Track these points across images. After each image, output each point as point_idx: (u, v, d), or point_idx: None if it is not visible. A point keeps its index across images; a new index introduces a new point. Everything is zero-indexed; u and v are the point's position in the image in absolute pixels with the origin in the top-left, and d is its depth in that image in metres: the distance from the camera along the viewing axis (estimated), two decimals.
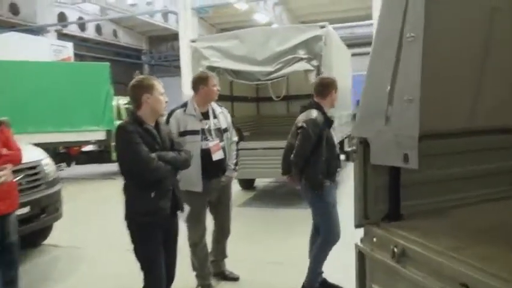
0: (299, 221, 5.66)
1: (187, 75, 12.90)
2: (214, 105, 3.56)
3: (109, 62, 11.86)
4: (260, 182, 8.11)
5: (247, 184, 7.57)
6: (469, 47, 1.82)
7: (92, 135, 9.71)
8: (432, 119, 1.76)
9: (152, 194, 2.56)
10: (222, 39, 6.18)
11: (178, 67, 17.58)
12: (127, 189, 2.65)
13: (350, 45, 9.76)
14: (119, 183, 2.71)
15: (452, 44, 1.76)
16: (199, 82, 3.42)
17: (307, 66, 5.67)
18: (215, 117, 3.51)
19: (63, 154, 10.36)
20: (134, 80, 2.72)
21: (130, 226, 2.65)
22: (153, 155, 2.53)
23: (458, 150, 2.02)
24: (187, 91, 13.07)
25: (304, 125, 3.21)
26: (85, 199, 7.85)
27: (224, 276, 3.80)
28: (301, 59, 5.69)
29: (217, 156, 3.41)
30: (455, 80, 1.83)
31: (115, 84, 10.80)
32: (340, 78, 6.39)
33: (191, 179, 3.27)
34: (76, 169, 10.81)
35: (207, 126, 3.39)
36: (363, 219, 1.87)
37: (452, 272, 1.41)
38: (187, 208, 3.02)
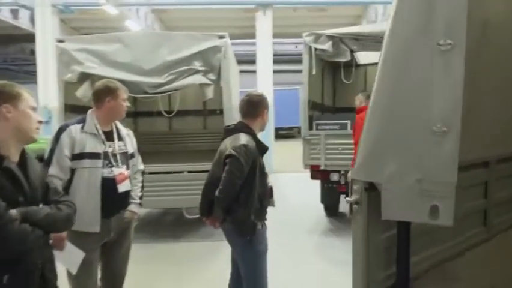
0: (192, 257, 4.95)
1: (44, 82, 11.01)
2: (118, 124, 2.87)
3: None
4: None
5: None
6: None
7: None
8: (468, 149, 1.33)
9: (5, 279, 1.59)
10: (100, 41, 5.15)
11: (30, 73, 15.03)
12: None
13: None
14: None
15: (495, 52, 1.37)
16: (105, 93, 2.71)
17: (204, 80, 5.06)
18: (120, 139, 2.82)
19: None
20: None
21: None
22: (14, 212, 1.58)
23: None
24: (45, 101, 11.23)
25: (234, 152, 2.57)
26: None
27: None
28: (197, 71, 5.06)
29: (123, 187, 2.76)
30: (496, 100, 1.46)
31: None
32: (235, 96, 5.97)
33: (86, 216, 2.50)
34: None
35: (110, 150, 2.74)
36: None
37: None
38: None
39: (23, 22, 16.85)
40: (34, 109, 1.79)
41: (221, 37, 5.14)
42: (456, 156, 1.19)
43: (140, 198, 2.99)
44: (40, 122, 1.81)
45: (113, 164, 2.72)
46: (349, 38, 5.14)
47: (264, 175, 2.77)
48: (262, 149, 2.76)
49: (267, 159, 12.21)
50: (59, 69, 5.14)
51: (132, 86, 5.10)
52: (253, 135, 2.74)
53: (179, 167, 5.18)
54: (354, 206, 1.34)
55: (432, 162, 1.21)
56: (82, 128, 2.68)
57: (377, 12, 20.23)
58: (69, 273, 2.54)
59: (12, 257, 1.59)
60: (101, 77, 5.01)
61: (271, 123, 11.53)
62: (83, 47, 5.06)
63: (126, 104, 2.80)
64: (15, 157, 1.70)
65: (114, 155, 2.75)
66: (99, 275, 2.86)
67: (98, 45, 5.09)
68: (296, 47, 35.13)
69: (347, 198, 1.42)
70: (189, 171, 5.16)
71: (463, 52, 1.18)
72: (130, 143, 2.94)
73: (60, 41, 5.18)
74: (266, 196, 2.78)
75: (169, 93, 5.24)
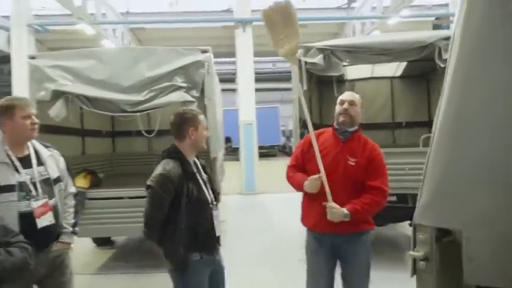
0: None
1: None
2: (38, 145, 2.60)
3: None
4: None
5: (102, 240, 6.05)
6: None
7: None
8: None
9: None
10: (75, 57, 4.83)
11: (8, 94, 14.46)
12: None
13: None
14: None
15: None
16: (0, 114, 2.46)
17: (187, 97, 4.77)
18: (41, 163, 2.54)
19: None
20: None
21: None
22: None
23: None
24: None
25: (151, 182, 2.41)
26: None
27: None
28: (179, 87, 4.78)
29: (44, 221, 2.48)
30: None
31: None
32: (219, 113, 5.70)
33: None
34: None
35: (28, 178, 2.47)
36: None
37: None
38: None
39: (1, 43, 16.39)
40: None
41: (204, 51, 4.90)
42: None
43: (74, 225, 2.72)
44: None
45: (33, 194, 2.44)
46: (341, 50, 4.94)
47: (196, 203, 2.51)
48: (189, 174, 2.53)
49: (250, 180, 11.80)
50: (32, 88, 4.77)
51: (109, 105, 4.82)
52: (181, 159, 2.53)
53: None
54: (420, 263, 1.02)
55: None
56: None
57: (355, 29, 20.58)
58: None
59: None
60: (75, 95, 4.73)
61: (254, 142, 11.26)
62: (56, 64, 4.74)
63: (31, 120, 2.52)
64: None
65: (33, 184, 2.46)
66: None
67: (72, 61, 4.77)
68: (273, 65, 35.59)
69: (410, 252, 1.08)
70: None
71: None
72: (55, 165, 2.66)
73: (32, 57, 4.85)
74: (203, 226, 2.53)
75: (149, 111, 4.92)
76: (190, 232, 2.44)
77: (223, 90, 11.00)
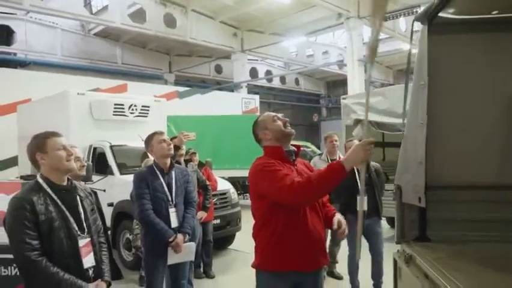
0: None
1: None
2: (340, 155, 5.18)
3: (291, 106, 13.18)
4: None
5: None
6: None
7: None
8: (440, 175, 2.72)
9: None
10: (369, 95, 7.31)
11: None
12: None
13: None
14: None
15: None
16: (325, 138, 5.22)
17: None
18: None
19: (247, 186, 12.82)
20: None
21: None
22: None
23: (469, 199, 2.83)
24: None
25: None
26: None
27: None
28: None
29: None
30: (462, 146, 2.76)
31: (296, 127, 12.82)
32: None
33: None
34: None
35: None
36: (400, 238, 2.89)
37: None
38: None
39: (346, 70, 21.52)
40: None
41: None
42: (423, 175, 2.60)
43: None
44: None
45: None
46: None
47: None
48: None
49: None
50: (343, 117, 7.66)
51: (389, 126, 7.02)
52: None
53: None
54: (394, 195, 2.90)
55: (417, 177, 2.59)
56: (320, 157, 5.11)
57: None
58: None
59: None
60: (368, 121, 7.15)
61: None
62: (357, 101, 7.41)
63: (334, 144, 5.03)
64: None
65: None
66: None
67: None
68: None
69: (393, 187, 2.96)
70: None
71: (425, 130, 2.63)
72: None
73: (344, 98, 7.75)
74: None
75: None
76: None
77: None
